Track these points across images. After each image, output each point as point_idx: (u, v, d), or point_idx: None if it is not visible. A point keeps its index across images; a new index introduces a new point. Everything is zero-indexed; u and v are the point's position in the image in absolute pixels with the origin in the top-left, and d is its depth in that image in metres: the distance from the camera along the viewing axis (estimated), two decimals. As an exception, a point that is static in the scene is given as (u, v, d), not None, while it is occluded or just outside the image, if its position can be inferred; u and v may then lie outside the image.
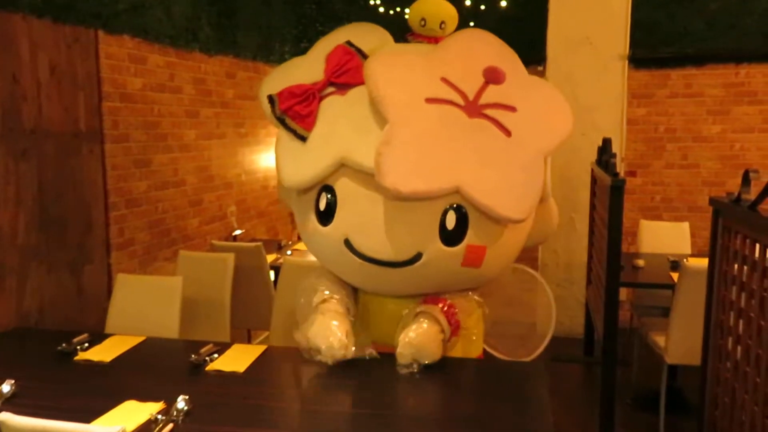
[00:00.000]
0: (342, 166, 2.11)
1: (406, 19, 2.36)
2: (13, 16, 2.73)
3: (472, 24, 3.64)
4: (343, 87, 2.18)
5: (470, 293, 2.24)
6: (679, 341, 3.15)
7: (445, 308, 2.13)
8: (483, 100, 2.09)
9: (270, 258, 3.89)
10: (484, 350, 2.49)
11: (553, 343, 4.66)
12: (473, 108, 2.07)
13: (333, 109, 2.17)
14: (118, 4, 3.32)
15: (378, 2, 4.95)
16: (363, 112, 2.09)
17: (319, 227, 2.18)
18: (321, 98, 2.18)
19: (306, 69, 2.26)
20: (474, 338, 2.24)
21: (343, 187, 2.12)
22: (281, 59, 5.21)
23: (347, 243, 2.12)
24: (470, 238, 2.07)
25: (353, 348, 2.13)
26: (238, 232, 4.62)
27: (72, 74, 3.07)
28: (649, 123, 5.15)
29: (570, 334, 4.76)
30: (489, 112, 2.07)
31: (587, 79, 4.55)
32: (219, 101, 4.43)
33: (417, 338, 2.04)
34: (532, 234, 2.33)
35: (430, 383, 2.09)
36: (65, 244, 3.04)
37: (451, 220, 2.05)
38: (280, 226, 5.50)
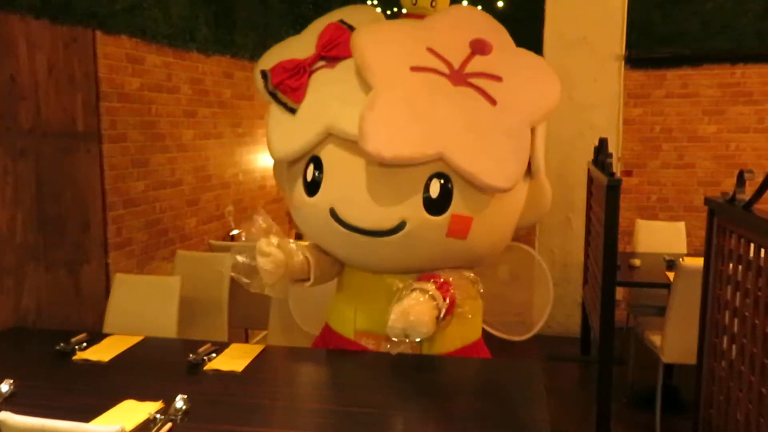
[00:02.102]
0: (329, 137, 2.13)
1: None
2: (11, 17, 2.73)
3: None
4: (332, 60, 2.21)
5: (465, 271, 2.20)
6: (675, 340, 3.17)
7: (439, 284, 2.08)
8: (468, 69, 2.10)
9: (267, 258, 3.88)
10: (483, 330, 2.48)
11: (550, 342, 4.70)
12: (458, 76, 2.08)
13: (322, 81, 2.20)
14: (115, 4, 3.32)
15: (375, 2, 4.96)
16: (350, 83, 2.12)
17: (307, 198, 2.19)
18: (311, 72, 2.21)
19: (299, 46, 2.30)
20: (470, 317, 2.20)
21: (330, 156, 2.14)
22: (278, 59, 5.21)
23: (332, 213, 2.12)
24: (455, 207, 2.06)
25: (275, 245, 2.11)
26: (235, 231, 4.62)
27: (70, 74, 3.07)
28: (645, 123, 5.17)
29: (567, 333, 4.78)
30: (474, 81, 2.08)
31: (584, 79, 4.56)
32: (216, 101, 4.43)
33: (410, 309, 1.98)
34: (525, 213, 2.31)
35: (428, 382, 2.10)
36: (63, 243, 3.04)
37: (435, 188, 2.04)
38: (278, 226, 5.50)
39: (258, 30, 4.84)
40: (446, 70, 2.09)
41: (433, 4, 2.32)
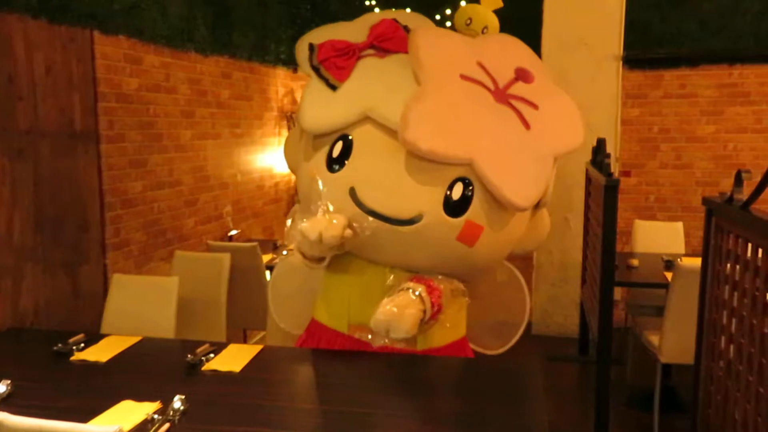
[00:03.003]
0: (366, 119, 2.18)
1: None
2: (9, 17, 2.73)
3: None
4: (383, 51, 2.29)
5: (456, 282, 2.26)
6: (673, 340, 3.17)
7: (431, 288, 2.14)
8: (510, 91, 2.21)
9: (266, 258, 3.89)
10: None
11: (549, 342, 4.70)
12: (501, 95, 2.19)
13: (369, 66, 2.27)
14: (113, 4, 3.32)
15: (374, 2, 4.96)
16: (398, 74, 2.20)
17: (327, 173, 2.21)
18: (360, 57, 2.28)
19: (350, 32, 2.37)
20: (448, 325, 2.27)
21: (362, 137, 2.19)
22: (277, 60, 5.21)
23: (352, 192, 2.15)
24: (471, 214, 2.12)
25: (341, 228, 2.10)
26: (233, 232, 4.62)
27: (67, 74, 3.06)
28: (643, 123, 5.17)
29: (565, 334, 4.78)
30: (514, 102, 2.19)
31: (582, 79, 4.56)
32: (214, 101, 4.43)
33: (397, 310, 2.05)
34: (524, 241, 2.40)
35: (426, 382, 2.10)
36: (61, 244, 3.03)
37: (457, 191, 2.11)
38: (276, 227, 5.50)
39: (256, 30, 4.84)
40: (491, 86, 2.20)
41: (485, 31, 2.42)
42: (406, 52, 2.21)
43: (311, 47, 2.32)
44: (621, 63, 4.58)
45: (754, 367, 1.97)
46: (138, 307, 2.80)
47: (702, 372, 2.51)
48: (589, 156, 4.20)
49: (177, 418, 1.75)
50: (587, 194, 4.33)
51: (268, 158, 5.23)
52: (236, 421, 1.79)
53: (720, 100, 5.03)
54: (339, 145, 2.21)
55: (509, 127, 2.15)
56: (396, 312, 2.04)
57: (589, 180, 4.24)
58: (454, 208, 2.11)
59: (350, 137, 2.20)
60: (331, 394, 2.09)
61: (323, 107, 2.24)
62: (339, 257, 2.37)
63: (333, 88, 2.24)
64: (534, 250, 2.49)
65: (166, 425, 1.72)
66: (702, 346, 2.52)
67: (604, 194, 3.10)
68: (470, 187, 2.11)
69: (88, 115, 3.21)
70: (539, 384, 2.05)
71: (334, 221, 2.11)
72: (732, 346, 2.21)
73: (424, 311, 2.10)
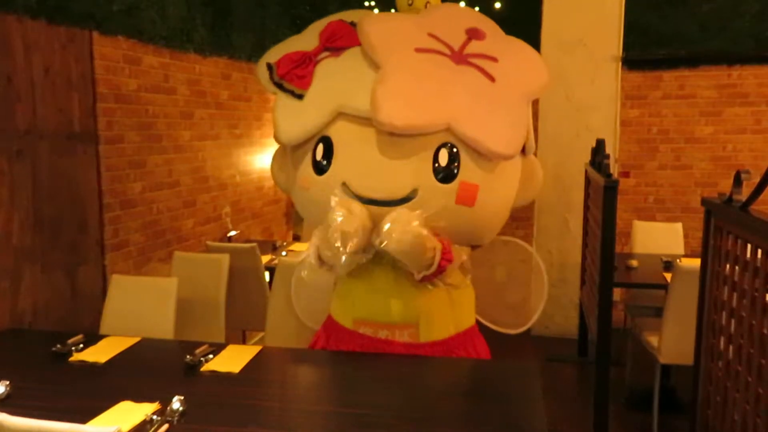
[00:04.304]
0: (338, 116, 2.24)
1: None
2: (7, 17, 2.73)
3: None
4: (337, 50, 2.34)
5: (464, 252, 2.28)
6: (672, 341, 3.17)
7: (444, 241, 2.16)
8: (467, 51, 2.26)
9: (265, 259, 3.89)
10: (478, 321, 2.55)
11: (548, 342, 4.70)
12: (459, 57, 2.24)
13: (328, 68, 2.32)
14: (112, 5, 3.31)
15: (373, 3, 4.96)
16: (358, 66, 2.25)
17: (316, 177, 2.26)
18: (317, 62, 2.33)
19: (302, 42, 2.43)
20: (465, 304, 2.30)
21: (340, 134, 2.24)
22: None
23: (345, 187, 2.19)
24: (463, 175, 2.17)
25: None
26: (232, 233, 4.62)
27: (66, 75, 3.06)
28: (643, 124, 5.18)
29: (564, 335, 4.78)
30: (473, 60, 2.24)
31: (581, 80, 4.57)
32: (213, 102, 4.43)
33: (406, 218, 2.05)
34: (520, 191, 2.43)
35: (425, 382, 2.10)
36: (59, 245, 3.03)
37: (444, 157, 2.16)
38: (275, 227, 5.50)
39: (255, 31, 4.83)
40: (448, 51, 2.25)
41: (427, 6, 2.48)
42: (358, 44, 2.28)
43: (269, 66, 2.37)
44: (620, 64, 4.58)
45: (754, 367, 1.97)
46: (137, 308, 2.79)
47: (701, 373, 2.51)
48: (588, 157, 4.20)
49: (176, 418, 1.75)
50: (586, 195, 4.33)
51: (267, 159, 5.21)
52: (235, 422, 1.79)
53: (719, 101, 5.03)
54: (320, 148, 2.25)
55: (475, 84, 2.19)
56: (402, 217, 2.05)
57: (588, 181, 4.24)
58: (445, 174, 2.16)
59: (329, 137, 2.24)
60: (330, 394, 2.08)
61: (295, 118, 2.29)
62: None
63: (300, 97, 2.29)
64: (532, 199, 2.51)
65: (165, 426, 1.71)
66: (701, 346, 2.52)
67: (604, 195, 3.10)
68: (455, 150, 2.16)
69: (87, 116, 3.20)
70: (538, 385, 2.05)
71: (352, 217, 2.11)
72: (731, 347, 2.20)
73: (434, 249, 2.09)
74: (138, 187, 3.60)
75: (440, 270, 2.15)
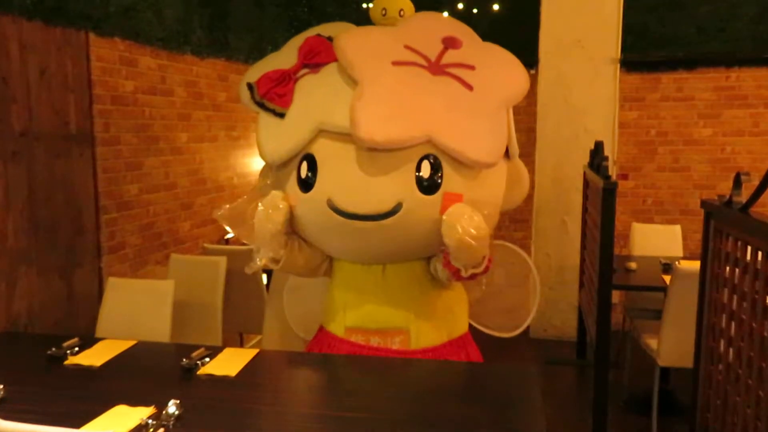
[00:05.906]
0: (320, 134, 2.24)
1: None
2: (3, 18, 2.71)
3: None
4: (315, 66, 2.34)
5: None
6: (671, 344, 3.16)
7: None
8: (444, 61, 2.26)
9: (262, 261, 3.87)
10: (471, 325, 2.56)
11: (546, 345, 4.69)
12: (436, 67, 2.24)
13: (308, 85, 2.31)
14: (109, 6, 3.30)
15: (371, 5, 4.95)
16: (336, 83, 2.25)
17: (302, 195, 2.26)
18: (296, 79, 2.33)
19: (281, 60, 2.42)
20: (457, 311, 2.32)
21: (322, 151, 2.24)
22: (273, 62, 5.20)
23: (330, 203, 2.19)
24: (446, 186, 2.18)
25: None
26: (230, 235, 4.60)
27: (62, 76, 3.05)
28: (641, 126, 5.18)
29: (563, 337, 4.77)
30: (451, 70, 2.24)
31: (579, 82, 4.57)
32: (211, 104, 4.42)
33: (479, 221, 2.08)
34: (507, 195, 2.43)
35: (422, 386, 2.09)
36: (55, 247, 3.01)
37: (426, 169, 2.16)
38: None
39: (253, 33, 4.83)
40: (424, 63, 2.24)
41: (401, 13, 2.46)
42: (336, 59, 2.27)
43: (249, 86, 2.38)
44: (618, 66, 4.59)
45: (754, 370, 1.96)
46: (133, 311, 2.78)
47: (701, 376, 2.50)
48: (586, 159, 4.19)
49: (171, 422, 1.73)
50: (585, 197, 4.33)
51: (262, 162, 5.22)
52: (231, 426, 1.77)
53: (717, 103, 5.03)
54: (304, 165, 2.26)
55: (453, 94, 2.19)
56: (469, 211, 2.10)
57: (586, 183, 4.24)
58: (428, 185, 2.16)
59: (312, 154, 2.24)
60: (327, 398, 2.07)
61: (278, 136, 2.30)
62: (334, 262, 2.38)
63: (281, 116, 2.30)
64: (519, 202, 2.52)
65: (161, 430, 1.70)
66: (701, 349, 2.51)
67: (602, 197, 3.09)
68: (437, 161, 2.16)
69: (83, 118, 3.19)
70: (537, 387, 2.04)
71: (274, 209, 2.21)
72: (731, 350, 2.20)
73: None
74: (135, 189, 3.59)
75: (486, 269, 2.18)
